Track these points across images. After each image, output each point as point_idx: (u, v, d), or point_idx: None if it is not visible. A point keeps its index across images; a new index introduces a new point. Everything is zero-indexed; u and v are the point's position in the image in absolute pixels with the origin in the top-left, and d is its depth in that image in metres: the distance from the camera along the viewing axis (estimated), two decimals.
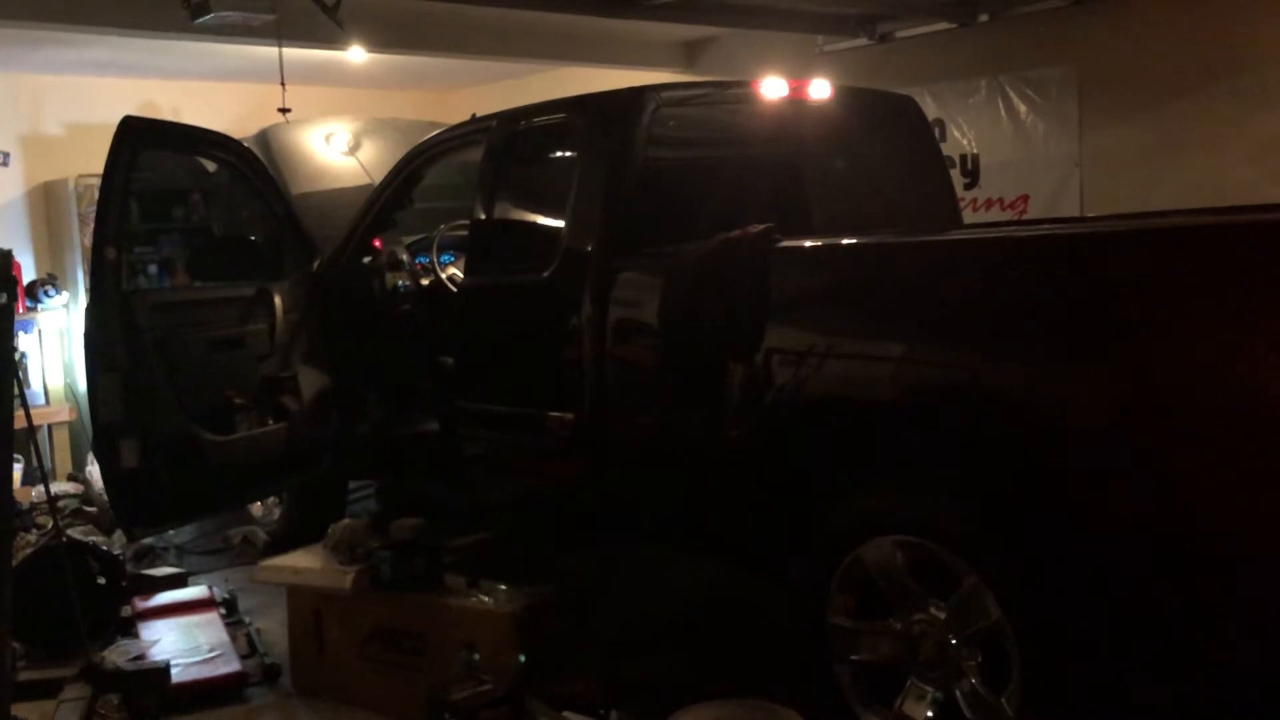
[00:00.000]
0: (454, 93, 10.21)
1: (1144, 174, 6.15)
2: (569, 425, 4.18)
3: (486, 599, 3.94)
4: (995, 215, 6.66)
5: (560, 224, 4.32)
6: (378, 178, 6.32)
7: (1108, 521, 2.80)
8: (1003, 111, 6.65)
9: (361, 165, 6.68)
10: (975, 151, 6.80)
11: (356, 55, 7.28)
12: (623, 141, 4.17)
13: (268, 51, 7.51)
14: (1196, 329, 2.72)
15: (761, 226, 3.65)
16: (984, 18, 6.47)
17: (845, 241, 3.79)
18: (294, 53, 7.06)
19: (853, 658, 3.37)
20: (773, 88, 4.54)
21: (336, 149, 6.73)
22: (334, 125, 6.87)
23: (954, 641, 3.13)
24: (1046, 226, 4.35)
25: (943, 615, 3.15)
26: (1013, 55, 6.57)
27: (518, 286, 4.51)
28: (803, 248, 3.66)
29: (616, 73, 8.05)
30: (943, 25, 6.68)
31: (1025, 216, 6.57)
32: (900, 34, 6.88)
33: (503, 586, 4.03)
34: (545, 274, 4.27)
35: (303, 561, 4.30)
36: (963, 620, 3.10)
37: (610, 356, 4.08)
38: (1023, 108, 6.56)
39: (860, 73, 6.72)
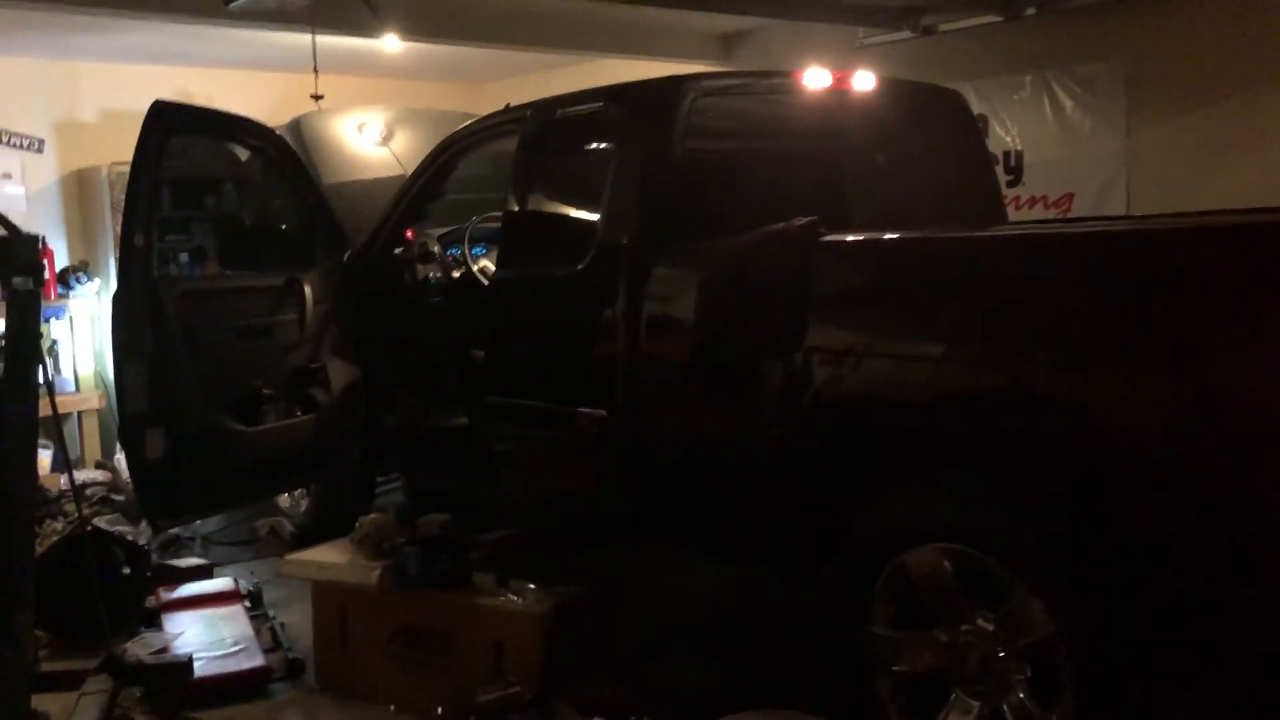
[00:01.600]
0: (485, 85, 10.12)
1: (1193, 173, 5.98)
2: (600, 422, 4.08)
3: (515, 598, 3.85)
4: (1039, 214, 6.50)
5: (595, 216, 4.22)
6: (410, 168, 6.25)
7: (1168, 532, 2.68)
8: (1048, 108, 6.49)
9: (394, 155, 6.62)
10: (1019, 148, 6.64)
11: (391, 44, 7.21)
12: (661, 132, 4.06)
13: (301, 39, 7.46)
14: (1263, 332, 2.59)
15: (805, 220, 3.53)
16: (1030, 11, 6.30)
17: (892, 237, 3.66)
18: (327, 42, 7.00)
19: (893, 668, 3.24)
20: (815, 78, 4.42)
21: (369, 139, 6.67)
22: (366, 114, 6.81)
23: (1002, 654, 3.01)
24: (1103, 224, 4.20)
25: (991, 627, 3.03)
26: (1059, 50, 6.41)
27: (551, 280, 4.41)
28: (848, 242, 3.54)
29: (651, 64, 7.95)
30: (988, 19, 6.53)
31: (1069, 215, 6.41)
32: (944, 27, 6.72)
33: (531, 586, 3.94)
34: (579, 267, 4.17)
35: (329, 556, 4.23)
36: (1012, 633, 2.97)
37: (644, 353, 3.98)
38: (1069, 104, 6.40)
39: (902, 66, 6.56)
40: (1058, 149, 6.47)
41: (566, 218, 4.63)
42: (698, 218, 4.08)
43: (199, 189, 8.14)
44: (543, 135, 4.61)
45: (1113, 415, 2.77)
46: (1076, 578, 2.82)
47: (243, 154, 6.96)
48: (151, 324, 4.51)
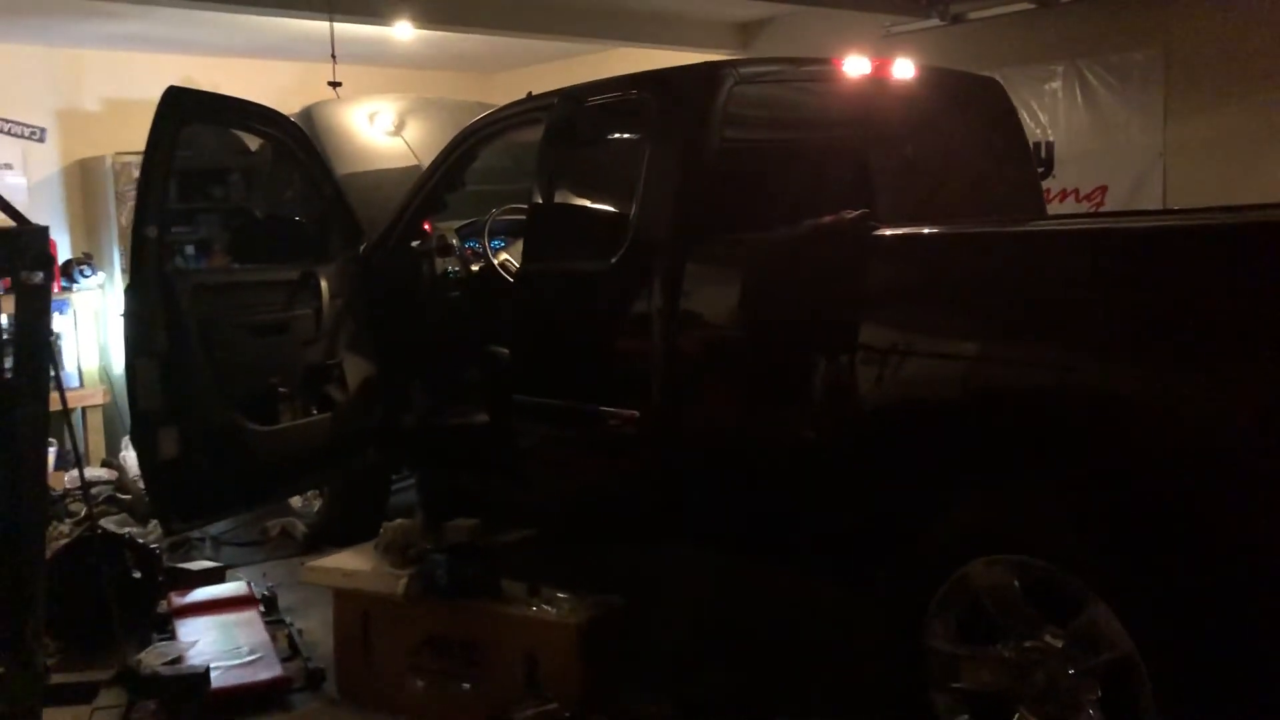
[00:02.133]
0: (496, 75, 9.96)
1: (1233, 166, 5.82)
2: (634, 423, 3.92)
3: (549, 608, 3.69)
4: (1070, 207, 6.33)
5: (628, 208, 4.04)
6: (424, 158, 6.10)
7: (1263, 542, 2.51)
8: (1080, 98, 6.32)
9: (408, 145, 6.45)
10: (1050, 140, 6.47)
11: (403, 31, 7.04)
12: (698, 120, 3.89)
13: (310, 27, 7.30)
14: None
15: (856, 213, 3.36)
16: None
17: (951, 231, 3.49)
18: (338, 30, 6.83)
19: (952, 685, 3.08)
20: (855, 65, 4.25)
21: (381, 128, 6.50)
22: (379, 104, 6.63)
23: (1071, 673, 2.85)
24: (1176, 218, 4.00)
25: (1060, 644, 2.86)
26: (1094, 38, 6.23)
27: (581, 274, 4.24)
28: (903, 236, 3.36)
29: (667, 53, 7.79)
30: (1017, 6, 6.35)
31: (1103, 209, 6.25)
32: (973, 15, 6.55)
33: (565, 595, 3.77)
34: (612, 261, 4.00)
35: (352, 563, 4.06)
36: (1084, 651, 2.81)
37: (681, 350, 3.81)
38: (1103, 94, 6.23)
39: (930, 55, 6.38)
40: (1090, 141, 6.30)
41: (597, 210, 4.45)
42: (736, 210, 3.92)
43: (206, 179, 7.95)
44: (571, 124, 4.43)
45: (1200, 418, 2.61)
46: (1160, 592, 2.65)
47: (253, 143, 6.83)
48: (165, 319, 4.33)
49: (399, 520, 4.15)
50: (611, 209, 4.25)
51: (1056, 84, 6.40)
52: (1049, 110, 6.41)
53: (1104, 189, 6.27)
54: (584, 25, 7.59)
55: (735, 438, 3.72)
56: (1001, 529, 2.98)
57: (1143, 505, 2.70)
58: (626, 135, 4.32)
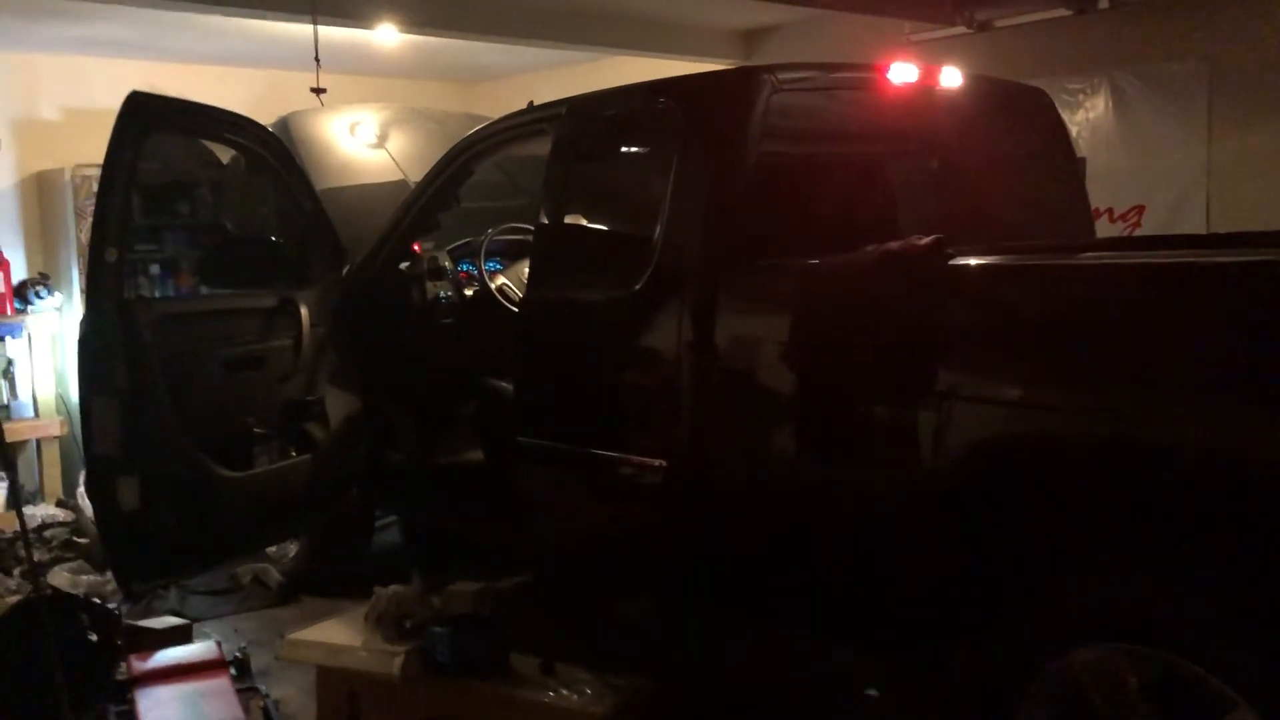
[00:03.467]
0: (479, 85, 9.49)
1: None
2: (660, 473, 3.46)
3: (567, 693, 3.21)
4: (1103, 228, 5.91)
5: (652, 229, 3.59)
6: (411, 172, 5.66)
7: None
8: (1115, 111, 5.92)
9: (392, 158, 5.98)
10: (1082, 155, 6.06)
11: (386, 35, 6.56)
12: (733, 132, 3.46)
13: (285, 32, 6.81)
14: None
15: (929, 239, 2.92)
16: (1104, 4, 5.74)
17: (1042, 261, 3.06)
18: (311, 36, 6.36)
19: None
20: (902, 73, 3.82)
21: (363, 140, 6.04)
22: (361, 114, 6.17)
23: None
24: None
25: None
26: (1131, 48, 5.84)
27: (596, 303, 3.79)
28: (985, 267, 2.92)
29: (667, 63, 7.36)
30: (1051, 14, 5.95)
31: (1140, 230, 5.85)
32: (1001, 22, 6.15)
33: (584, 675, 3.30)
34: (635, 288, 3.55)
35: (339, 635, 3.56)
36: None
37: (716, 392, 3.36)
38: (1141, 108, 5.83)
39: (954, 66, 6.00)
40: (1127, 157, 5.90)
41: (614, 232, 4.00)
42: (776, 233, 3.49)
43: (171, 193, 7.43)
44: (582, 137, 3.99)
45: None
46: None
47: (224, 155, 6.33)
48: (125, 353, 3.84)
49: (393, 587, 3.65)
50: (631, 231, 3.80)
51: (1089, 96, 6.00)
52: (1082, 125, 6.00)
53: (1141, 209, 5.87)
54: (578, 32, 7.14)
55: (778, 493, 3.27)
56: (1114, 612, 2.53)
57: None
58: (648, 149, 3.88)
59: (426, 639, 3.37)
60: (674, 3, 6.73)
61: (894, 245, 2.95)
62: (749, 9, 6.65)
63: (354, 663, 3.43)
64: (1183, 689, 2.41)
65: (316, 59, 5.28)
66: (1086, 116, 6.02)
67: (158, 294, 7.29)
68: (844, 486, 3.08)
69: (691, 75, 3.84)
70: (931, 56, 6.11)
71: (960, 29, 6.22)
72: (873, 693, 3.75)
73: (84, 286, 7.19)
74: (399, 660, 3.34)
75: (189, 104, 4.26)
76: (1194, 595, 2.41)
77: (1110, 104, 5.94)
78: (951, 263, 2.89)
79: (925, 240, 2.91)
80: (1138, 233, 5.87)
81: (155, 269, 7.45)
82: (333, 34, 6.30)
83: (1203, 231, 5.54)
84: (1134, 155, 5.89)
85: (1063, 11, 5.87)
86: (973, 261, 2.88)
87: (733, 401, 3.36)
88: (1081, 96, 6.02)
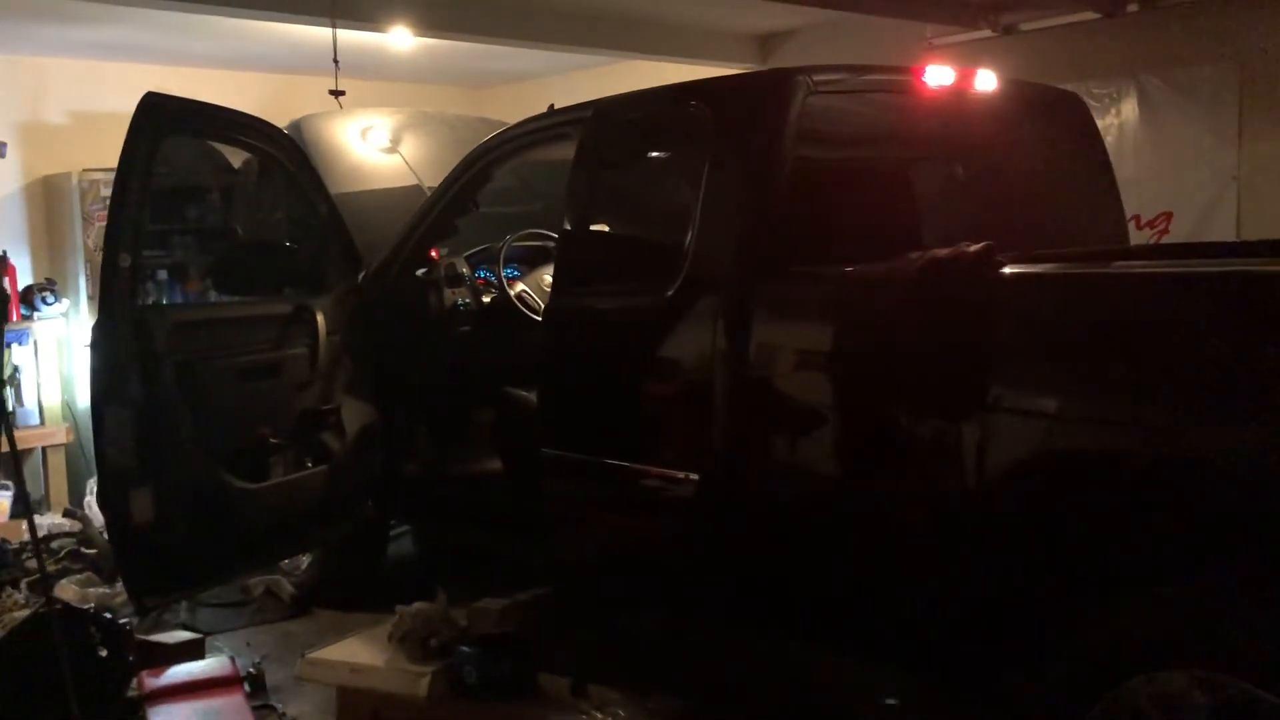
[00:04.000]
0: (490, 90, 9.40)
1: None
2: (693, 487, 3.36)
3: (599, 715, 3.10)
4: (1132, 235, 5.79)
5: (683, 236, 3.49)
6: (425, 177, 5.55)
7: None
8: (1144, 116, 5.82)
9: (406, 163, 5.87)
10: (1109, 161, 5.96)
11: (401, 39, 6.47)
12: (768, 137, 3.35)
13: (294, 36, 6.74)
14: None
15: (978, 246, 2.82)
16: (1133, 7, 5.64)
17: (1104, 270, 2.95)
18: (323, 40, 6.26)
19: None
20: (937, 75, 3.72)
21: (375, 144, 5.93)
22: (374, 118, 6.05)
23: None
24: None
25: None
26: (1159, 51, 5.74)
27: (625, 311, 3.68)
28: (1043, 275, 2.81)
29: (682, 67, 7.27)
30: (1077, 17, 5.85)
31: (1167, 237, 5.75)
32: (1026, 26, 6.05)
33: (616, 695, 3.19)
34: (667, 295, 3.45)
35: (362, 655, 3.45)
36: None
37: (751, 401, 3.26)
38: (1169, 112, 5.73)
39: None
40: (1154, 163, 5.79)
41: (643, 237, 3.90)
42: (813, 240, 3.39)
43: (181, 197, 7.32)
44: (609, 141, 3.89)
45: None
46: None
47: (236, 158, 6.23)
48: (139, 362, 3.73)
49: (417, 604, 3.54)
50: (661, 237, 3.69)
51: (1116, 101, 5.90)
52: (1108, 130, 5.87)
53: (1169, 215, 5.77)
54: (593, 36, 7.05)
55: (815, 509, 3.16)
56: (1184, 634, 2.42)
57: None
58: (678, 153, 3.77)
59: (453, 659, 3.26)
60: (690, 6, 6.64)
61: (942, 253, 2.85)
62: (767, 12, 6.55)
63: (378, 682, 3.33)
64: (1253, 717, 2.31)
65: (335, 60, 5.19)
66: (1113, 121, 5.92)
67: (165, 300, 7.19)
68: (887, 503, 2.97)
69: (724, 77, 3.76)
70: (954, 60, 6.02)
71: (984, 32, 6.11)
72: (892, 702, 3.62)
73: (92, 292, 7.18)
74: (425, 681, 3.23)
75: (205, 106, 4.17)
76: (1265, 617, 2.31)
77: (1137, 108, 5.84)
78: (1003, 271, 2.78)
79: (975, 248, 2.81)
80: (1165, 239, 5.77)
81: (163, 274, 7.35)
82: (344, 37, 6.21)
83: (1233, 238, 5.44)
84: (1162, 160, 5.79)
85: (1090, 15, 5.77)
86: (1027, 270, 2.78)
87: (768, 413, 3.26)
88: (1108, 101, 5.92)
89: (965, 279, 2.78)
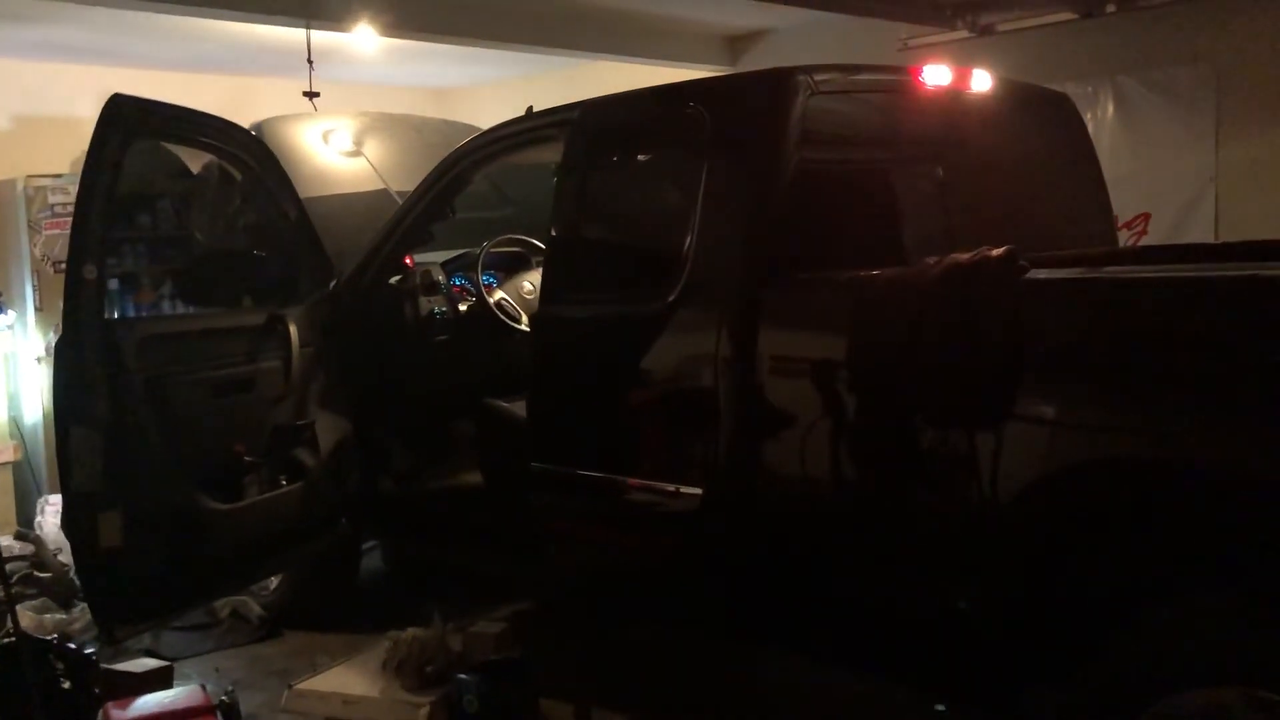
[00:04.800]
0: (451, 93, 9.22)
1: None
2: (696, 503, 3.24)
3: None
4: None
5: (681, 241, 3.37)
6: (392, 181, 5.39)
7: None
8: (1121, 117, 5.80)
9: (373, 166, 5.69)
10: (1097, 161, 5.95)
11: (364, 39, 6.27)
12: (772, 138, 3.25)
13: (251, 38, 6.54)
14: None
15: (1001, 250, 2.72)
16: (1111, 9, 5.61)
17: (1136, 274, 2.87)
18: (287, 40, 6.06)
19: None
20: (935, 75, 3.64)
21: (338, 147, 5.74)
22: (335, 121, 5.86)
23: None
24: None
25: None
26: (1136, 52, 5.72)
27: (621, 318, 3.55)
28: (1068, 281, 2.72)
29: (648, 68, 7.15)
30: (1055, 17, 5.81)
31: (1145, 238, 5.74)
32: (1004, 27, 6.00)
33: None
34: (668, 301, 3.32)
35: (354, 684, 3.28)
36: None
37: (758, 415, 3.14)
38: (1147, 113, 5.72)
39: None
40: (1132, 164, 5.77)
41: (637, 243, 3.77)
42: (817, 243, 3.29)
43: (133, 203, 7.04)
44: (599, 143, 3.76)
45: None
46: None
47: (194, 162, 6.00)
48: (107, 378, 3.53)
49: (411, 630, 3.37)
50: (657, 242, 3.58)
51: (1093, 102, 5.87)
52: None
53: (1146, 216, 5.76)
54: (560, 36, 6.92)
55: (828, 524, 3.05)
56: (1229, 649, 2.34)
57: None
58: (673, 155, 3.65)
59: (451, 687, 3.10)
60: (659, 5, 6.51)
61: (963, 257, 2.75)
62: (741, 12, 6.46)
63: (373, 714, 3.16)
64: None
65: (310, 61, 5.02)
66: (1090, 122, 5.87)
67: (116, 312, 6.92)
68: (905, 517, 2.87)
69: (721, 77, 3.69)
70: (930, 61, 5.97)
71: (959, 33, 6.06)
72: (941, 708, 3.52)
73: (40, 304, 6.87)
74: (424, 711, 3.08)
75: (174, 108, 3.98)
76: None
77: (1114, 109, 5.83)
78: (1028, 276, 2.69)
79: (998, 252, 2.71)
80: (1144, 240, 5.75)
81: (114, 284, 7.07)
82: (297, 39, 6.01)
83: (1211, 239, 5.43)
84: (1140, 162, 5.77)
85: (1068, 15, 5.73)
86: (1054, 275, 2.69)
87: (775, 425, 3.14)
88: (1084, 102, 5.87)
89: (989, 283, 2.69)
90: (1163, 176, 5.71)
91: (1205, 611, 2.39)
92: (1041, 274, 2.69)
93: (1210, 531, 2.39)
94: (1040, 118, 4.21)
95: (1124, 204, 5.80)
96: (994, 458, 2.66)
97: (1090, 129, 5.88)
